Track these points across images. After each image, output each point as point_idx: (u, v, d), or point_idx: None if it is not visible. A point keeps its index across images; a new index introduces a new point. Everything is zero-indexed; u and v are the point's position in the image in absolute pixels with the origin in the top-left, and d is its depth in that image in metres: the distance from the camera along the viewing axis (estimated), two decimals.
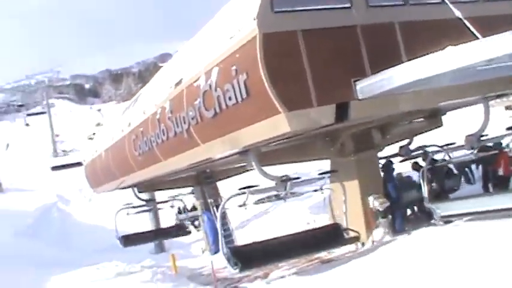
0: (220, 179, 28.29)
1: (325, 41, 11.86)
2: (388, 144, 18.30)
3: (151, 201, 31.16)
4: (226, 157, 16.69)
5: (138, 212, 29.41)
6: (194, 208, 30.85)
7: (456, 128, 19.74)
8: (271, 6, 11.60)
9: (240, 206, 14.53)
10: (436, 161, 18.22)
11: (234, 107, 12.64)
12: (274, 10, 11.60)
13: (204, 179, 27.55)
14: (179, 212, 31.42)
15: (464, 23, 11.28)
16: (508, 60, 11.82)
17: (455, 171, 20.09)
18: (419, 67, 10.49)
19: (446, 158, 17.62)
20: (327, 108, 11.67)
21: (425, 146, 18.07)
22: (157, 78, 21.01)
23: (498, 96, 18.13)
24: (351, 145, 16.79)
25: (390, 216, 16.94)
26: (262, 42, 11.27)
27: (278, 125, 11.63)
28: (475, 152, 16.68)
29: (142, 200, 29.55)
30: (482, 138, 16.40)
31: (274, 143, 14.38)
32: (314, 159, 18.65)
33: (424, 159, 17.64)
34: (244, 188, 14.33)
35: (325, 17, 12.10)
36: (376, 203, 16.48)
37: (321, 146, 16.91)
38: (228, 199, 14.65)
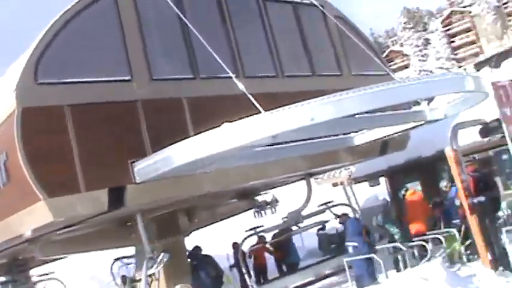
0: (35, 266, 25.56)
1: (99, 118, 10.50)
2: (196, 229, 17.05)
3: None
4: (12, 246, 14.66)
5: None
6: None
7: None
8: (35, 77, 10.12)
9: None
10: None
11: None
12: (38, 81, 10.14)
13: (16, 267, 24.61)
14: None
15: (249, 99, 10.22)
16: (297, 137, 11.25)
17: None
18: (196, 146, 9.38)
19: None
20: (98, 193, 10.19)
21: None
22: None
23: (311, 175, 17.64)
24: (154, 230, 15.17)
25: None
26: (20, 118, 9.73)
27: (40, 213, 9.98)
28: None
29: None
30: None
31: (61, 231, 12.64)
32: (117, 247, 16.81)
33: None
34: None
35: (101, 90, 10.72)
36: None
37: (121, 231, 15.17)
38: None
